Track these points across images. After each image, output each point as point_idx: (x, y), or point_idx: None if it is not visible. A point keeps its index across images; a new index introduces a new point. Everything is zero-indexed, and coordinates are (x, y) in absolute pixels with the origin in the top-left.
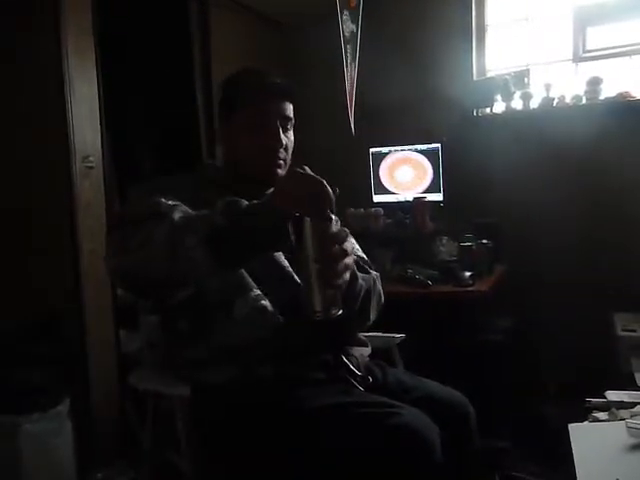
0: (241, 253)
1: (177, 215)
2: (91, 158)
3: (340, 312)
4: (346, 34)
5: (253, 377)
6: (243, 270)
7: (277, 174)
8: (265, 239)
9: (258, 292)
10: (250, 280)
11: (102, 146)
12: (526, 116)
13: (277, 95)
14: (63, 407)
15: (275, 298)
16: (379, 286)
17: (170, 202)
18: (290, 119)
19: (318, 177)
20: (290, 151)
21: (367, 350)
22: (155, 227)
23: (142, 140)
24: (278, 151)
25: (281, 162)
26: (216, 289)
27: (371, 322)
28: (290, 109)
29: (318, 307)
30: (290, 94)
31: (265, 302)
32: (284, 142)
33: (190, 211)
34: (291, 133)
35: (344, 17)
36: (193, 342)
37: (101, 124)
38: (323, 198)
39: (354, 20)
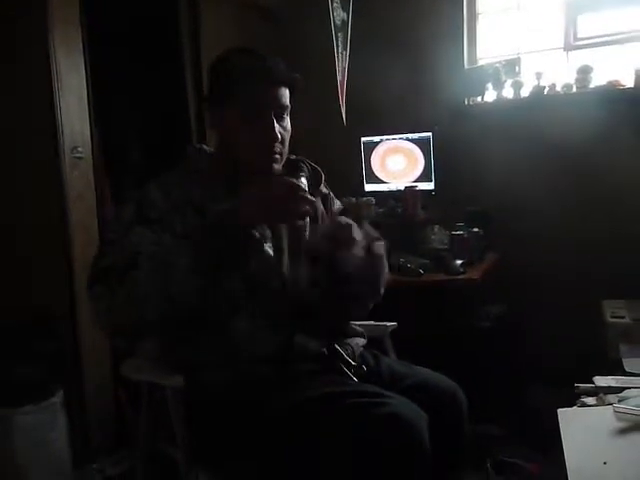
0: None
1: (150, 255)
2: (80, 149)
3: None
4: (337, 22)
5: (250, 376)
6: (238, 288)
7: (273, 168)
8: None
9: (253, 310)
10: (245, 301)
11: (91, 136)
12: (517, 104)
13: (271, 82)
14: (57, 398)
15: (272, 311)
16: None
17: (145, 234)
18: (286, 107)
19: (283, 182)
20: (287, 142)
21: (362, 340)
22: (134, 279)
23: (132, 130)
24: (274, 146)
25: (277, 157)
26: (212, 307)
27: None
28: (286, 96)
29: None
30: (285, 80)
31: (262, 321)
32: (279, 136)
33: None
34: (287, 121)
35: (335, 5)
36: (189, 344)
37: (90, 114)
38: (288, 208)
39: (345, 8)
